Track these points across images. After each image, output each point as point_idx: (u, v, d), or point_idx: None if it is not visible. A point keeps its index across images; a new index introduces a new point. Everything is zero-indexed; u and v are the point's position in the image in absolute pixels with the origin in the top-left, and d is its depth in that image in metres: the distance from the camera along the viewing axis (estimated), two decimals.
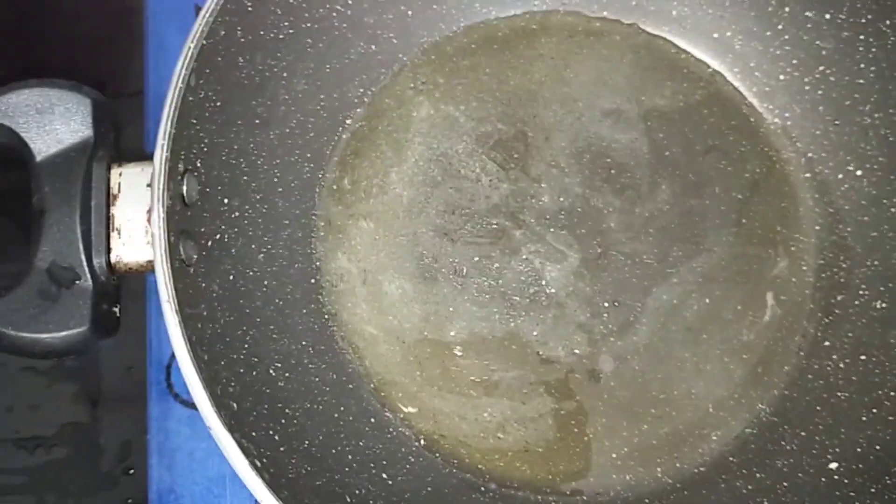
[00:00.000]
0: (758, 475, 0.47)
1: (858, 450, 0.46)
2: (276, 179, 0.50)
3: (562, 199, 0.52)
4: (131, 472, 0.60)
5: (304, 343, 0.49)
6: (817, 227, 0.52)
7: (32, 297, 0.39)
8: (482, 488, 0.48)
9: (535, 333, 0.50)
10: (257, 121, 0.48)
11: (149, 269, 0.42)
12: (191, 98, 0.42)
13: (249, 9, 0.45)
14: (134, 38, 0.57)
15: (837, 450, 0.46)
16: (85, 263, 0.40)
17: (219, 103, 0.44)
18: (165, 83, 0.42)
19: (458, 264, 0.51)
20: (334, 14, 0.51)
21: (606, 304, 0.51)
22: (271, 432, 0.43)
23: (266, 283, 0.48)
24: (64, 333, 0.40)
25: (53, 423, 0.62)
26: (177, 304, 0.39)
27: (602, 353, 0.50)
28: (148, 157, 0.42)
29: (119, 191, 0.42)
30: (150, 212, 0.41)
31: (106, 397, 0.62)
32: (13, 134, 0.41)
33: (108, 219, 0.41)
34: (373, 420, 0.49)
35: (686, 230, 0.51)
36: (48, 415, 0.62)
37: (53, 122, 0.41)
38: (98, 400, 0.63)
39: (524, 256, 0.51)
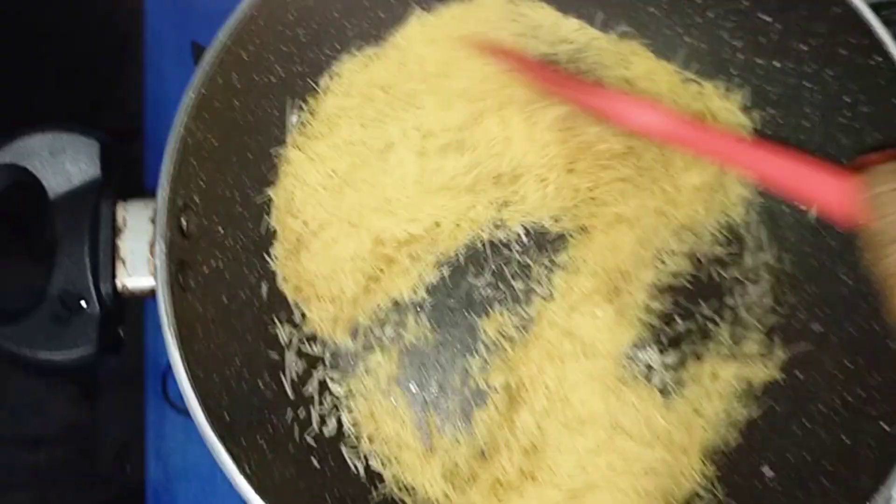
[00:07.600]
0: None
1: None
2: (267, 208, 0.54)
3: None
4: (127, 469, 0.64)
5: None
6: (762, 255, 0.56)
7: (46, 321, 0.43)
8: None
9: None
10: (250, 155, 0.52)
11: (150, 294, 0.45)
12: (190, 140, 0.46)
13: (245, 59, 0.48)
14: (132, 74, 0.60)
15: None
16: (93, 290, 0.44)
17: (216, 143, 0.48)
18: (164, 118, 0.45)
19: None
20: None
21: None
22: (259, 439, 0.47)
23: (257, 303, 0.52)
24: (74, 354, 0.44)
25: (54, 424, 0.64)
26: (176, 328, 0.43)
27: None
28: (149, 193, 0.46)
29: (124, 224, 0.46)
30: (152, 244, 0.45)
31: (104, 400, 0.65)
32: (29, 174, 0.45)
33: (114, 250, 0.45)
34: None
35: None
36: (49, 415, 0.65)
37: (65, 163, 0.45)
38: (97, 402, 0.66)
39: None
